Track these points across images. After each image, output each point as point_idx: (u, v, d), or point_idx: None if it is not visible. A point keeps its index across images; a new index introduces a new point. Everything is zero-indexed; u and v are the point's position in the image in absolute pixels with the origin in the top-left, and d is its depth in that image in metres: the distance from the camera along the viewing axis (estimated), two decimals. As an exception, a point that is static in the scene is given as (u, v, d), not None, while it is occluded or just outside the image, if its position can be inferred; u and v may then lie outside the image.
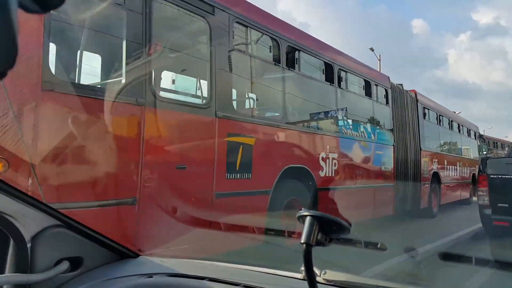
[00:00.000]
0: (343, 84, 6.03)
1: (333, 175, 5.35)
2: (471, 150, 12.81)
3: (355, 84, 6.55)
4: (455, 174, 10.85)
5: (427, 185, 8.62)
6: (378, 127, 7.17)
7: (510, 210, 4.70)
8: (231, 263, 1.48)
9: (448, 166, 10.16)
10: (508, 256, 3.69)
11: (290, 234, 2.29)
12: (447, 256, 3.20)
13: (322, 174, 5.13)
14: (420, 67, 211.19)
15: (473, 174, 11.83)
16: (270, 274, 1.32)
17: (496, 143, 19.95)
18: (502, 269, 2.21)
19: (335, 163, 5.40)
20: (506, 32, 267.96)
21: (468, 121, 13.53)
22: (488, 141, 18.57)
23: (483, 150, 13.59)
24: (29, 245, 1.11)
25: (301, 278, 1.17)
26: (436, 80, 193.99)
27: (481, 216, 5.17)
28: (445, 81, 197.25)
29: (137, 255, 1.40)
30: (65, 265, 1.17)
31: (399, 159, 7.37)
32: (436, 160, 9.27)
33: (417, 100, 8.62)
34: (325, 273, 1.19)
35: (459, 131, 11.94)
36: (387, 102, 7.32)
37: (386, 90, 7.40)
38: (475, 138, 13.37)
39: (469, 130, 13.11)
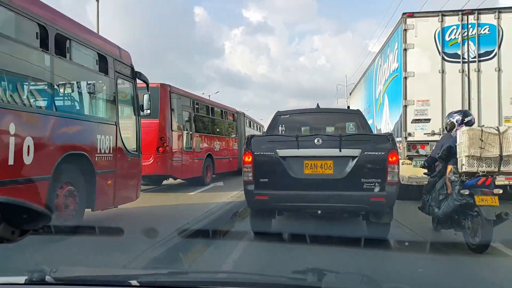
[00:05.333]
0: None
1: None
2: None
3: None
4: None
5: None
6: None
7: (269, 185, 4.96)
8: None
9: None
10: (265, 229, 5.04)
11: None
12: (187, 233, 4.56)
13: None
14: (203, 55, 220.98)
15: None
16: None
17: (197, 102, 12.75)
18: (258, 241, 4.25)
19: None
20: (272, 31, 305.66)
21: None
22: (193, 101, 12.03)
23: (146, 106, 7.11)
24: None
25: (23, 282, 1.11)
26: (216, 69, 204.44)
27: (245, 192, 5.13)
28: (222, 70, 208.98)
29: None
30: None
31: None
32: None
33: None
34: (55, 271, 1.16)
35: None
36: None
37: None
38: (112, 75, 6.25)
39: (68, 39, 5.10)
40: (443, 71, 8.07)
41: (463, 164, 4.81)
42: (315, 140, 4.98)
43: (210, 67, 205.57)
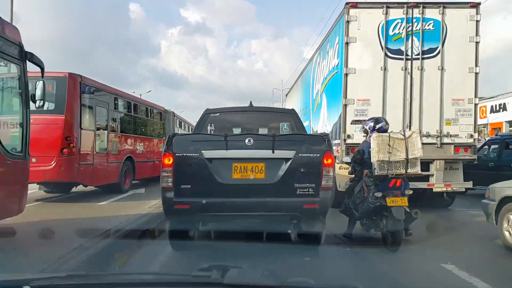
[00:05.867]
0: None
1: None
2: None
3: None
4: None
5: None
6: None
7: (192, 192, 4.46)
8: None
9: None
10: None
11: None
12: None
13: None
14: (138, 53, 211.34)
15: None
16: None
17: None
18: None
19: None
20: (210, 33, 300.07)
21: None
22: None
23: (39, 96, 5.36)
24: None
25: None
26: (150, 68, 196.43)
27: (163, 200, 4.56)
28: (157, 70, 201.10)
29: None
30: None
31: None
32: None
33: None
34: None
35: None
36: None
37: None
38: None
39: None
40: (385, 69, 7.50)
41: (375, 168, 5.13)
42: (246, 140, 4.53)
43: (145, 66, 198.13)
